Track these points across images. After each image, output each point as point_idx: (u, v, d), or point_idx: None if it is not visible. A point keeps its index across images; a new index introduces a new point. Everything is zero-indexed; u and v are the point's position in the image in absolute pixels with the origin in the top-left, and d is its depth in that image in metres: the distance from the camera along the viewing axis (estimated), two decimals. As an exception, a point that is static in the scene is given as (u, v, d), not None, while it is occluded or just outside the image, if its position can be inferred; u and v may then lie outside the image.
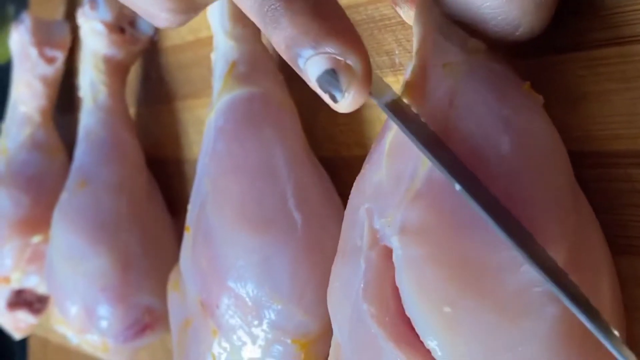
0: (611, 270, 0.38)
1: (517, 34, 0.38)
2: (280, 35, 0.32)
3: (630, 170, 0.39)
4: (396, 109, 0.36)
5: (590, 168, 0.41)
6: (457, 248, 0.35)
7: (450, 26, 0.41)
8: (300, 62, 0.33)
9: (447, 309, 0.35)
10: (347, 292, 0.40)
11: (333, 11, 0.33)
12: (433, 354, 0.35)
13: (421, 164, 0.38)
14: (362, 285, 0.39)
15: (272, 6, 0.32)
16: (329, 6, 0.33)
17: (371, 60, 0.50)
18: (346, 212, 0.42)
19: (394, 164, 0.41)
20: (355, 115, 0.54)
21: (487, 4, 0.37)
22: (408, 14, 0.46)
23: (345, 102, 0.33)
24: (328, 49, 0.32)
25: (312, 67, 0.32)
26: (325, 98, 0.33)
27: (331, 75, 0.32)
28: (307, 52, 0.32)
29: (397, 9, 0.46)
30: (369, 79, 0.33)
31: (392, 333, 0.37)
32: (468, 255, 0.35)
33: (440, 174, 0.35)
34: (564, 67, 0.41)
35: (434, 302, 0.35)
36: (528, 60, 0.41)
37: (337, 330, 0.42)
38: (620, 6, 0.39)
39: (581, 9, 0.40)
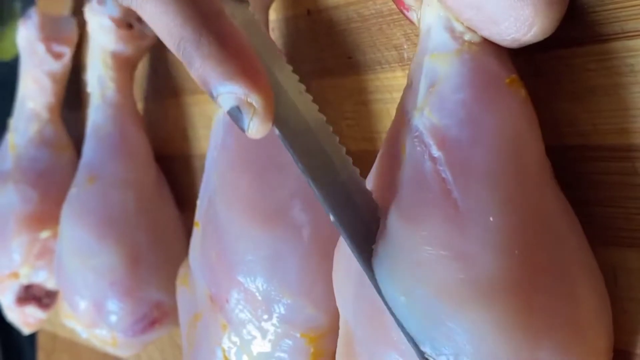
0: (591, 272, 0.38)
1: (531, 34, 0.38)
2: (195, 73, 0.37)
3: (638, 164, 0.39)
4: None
5: (598, 161, 0.41)
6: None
7: (450, 20, 0.41)
8: (214, 96, 0.37)
9: (402, 298, 0.37)
10: (351, 268, 0.40)
11: (239, 52, 0.37)
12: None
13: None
14: None
15: (186, 49, 0.37)
16: (235, 48, 0.37)
17: (380, 55, 0.50)
18: None
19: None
20: (363, 110, 0.54)
21: (501, 4, 0.37)
22: (412, 14, 0.46)
23: (250, 133, 0.37)
24: (233, 89, 0.36)
25: (222, 102, 0.37)
26: (237, 126, 0.38)
27: (238, 111, 0.37)
28: (216, 90, 0.37)
29: (405, 11, 0.46)
30: (269, 114, 0.37)
31: None
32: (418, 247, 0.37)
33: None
34: (571, 60, 0.41)
35: (393, 292, 0.37)
36: (535, 53, 0.41)
37: (342, 309, 0.42)
38: (629, -1, 0.39)
39: (589, 2, 0.40)
